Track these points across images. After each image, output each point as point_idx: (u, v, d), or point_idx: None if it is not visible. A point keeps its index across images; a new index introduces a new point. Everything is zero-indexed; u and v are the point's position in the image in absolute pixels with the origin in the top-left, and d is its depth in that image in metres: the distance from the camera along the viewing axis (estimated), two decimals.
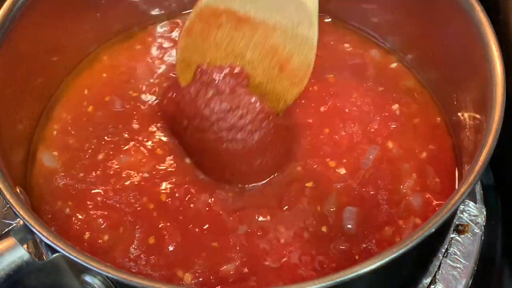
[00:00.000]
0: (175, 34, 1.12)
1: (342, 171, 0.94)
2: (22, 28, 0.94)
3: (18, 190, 0.82)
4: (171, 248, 0.87)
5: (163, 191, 0.93)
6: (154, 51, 1.10)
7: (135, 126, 1.00)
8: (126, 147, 0.97)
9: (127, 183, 0.94)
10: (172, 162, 0.96)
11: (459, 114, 0.96)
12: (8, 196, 0.78)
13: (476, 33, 0.88)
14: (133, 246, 0.88)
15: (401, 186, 0.92)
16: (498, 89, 0.83)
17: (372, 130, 0.98)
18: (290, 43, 0.89)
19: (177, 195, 0.92)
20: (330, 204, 0.91)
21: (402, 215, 0.89)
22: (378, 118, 0.99)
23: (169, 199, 0.92)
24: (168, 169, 0.95)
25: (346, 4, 1.11)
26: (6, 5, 0.92)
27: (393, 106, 1.01)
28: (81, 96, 1.05)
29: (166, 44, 1.11)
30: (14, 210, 0.76)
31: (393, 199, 0.91)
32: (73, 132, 1.00)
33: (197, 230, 0.89)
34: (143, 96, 1.03)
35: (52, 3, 0.99)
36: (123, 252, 0.87)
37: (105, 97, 1.03)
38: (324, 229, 0.89)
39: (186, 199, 0.92)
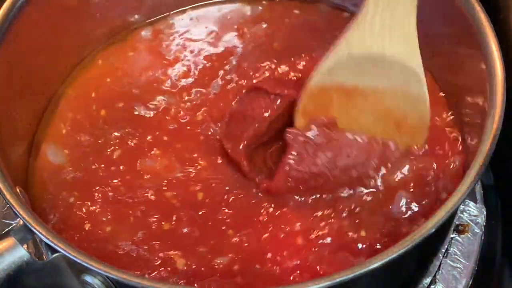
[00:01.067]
0: (164, 42, 1.12)
1: None
2: (22, 27, 0.94)
3: (18, 190, 0.82)
4: (185, 230, 0.88)
5: (193, 186, 0.93)
6: (150, 59, 1.10)
7: (158, 134, 0.99)
8: (147, 149, 0.98)
9: (142, 179, 0.94)
10: (202, 162, 0.96)
11: (457, 109, 0.97)
12: (8, 196, 0.78)
13: (476, 33, 0.88)
14: (142, 232, 0.88)
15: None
16: (498, 89, 0.83)
17: None
18: (403, 103, 0.88)
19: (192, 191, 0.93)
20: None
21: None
22: None
23: (202, 194, 0.92)
24: (198, 168, 0.95)
25: None
26: (6, 5, 0.92)
27: None
28: (88, 97, 1.05)
29: (158, 52, 1.11)
30: (14, 210, 0.76)
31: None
32: (85, 131, 1.00)
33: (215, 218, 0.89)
34: (155, 105, 1.03)
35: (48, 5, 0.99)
36: (127, 236, 0.88)
37: (117, 102, 1.04)
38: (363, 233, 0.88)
39: (219, 198, 0.92)
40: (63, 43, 1.06)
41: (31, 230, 0.75)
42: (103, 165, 0.96)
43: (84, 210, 0.91)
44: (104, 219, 0.90)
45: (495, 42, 0.86)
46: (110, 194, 0.93)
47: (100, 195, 0.93)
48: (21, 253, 0.75)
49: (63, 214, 0.92)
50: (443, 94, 1.01)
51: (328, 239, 0.87)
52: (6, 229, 0.92)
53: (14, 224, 0.99)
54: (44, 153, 0.99)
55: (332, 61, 0.87)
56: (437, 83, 1.02)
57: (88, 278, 0.74)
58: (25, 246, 0.76)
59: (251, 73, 1.05)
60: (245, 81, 1.04)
